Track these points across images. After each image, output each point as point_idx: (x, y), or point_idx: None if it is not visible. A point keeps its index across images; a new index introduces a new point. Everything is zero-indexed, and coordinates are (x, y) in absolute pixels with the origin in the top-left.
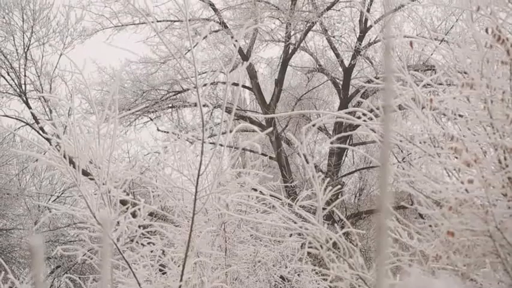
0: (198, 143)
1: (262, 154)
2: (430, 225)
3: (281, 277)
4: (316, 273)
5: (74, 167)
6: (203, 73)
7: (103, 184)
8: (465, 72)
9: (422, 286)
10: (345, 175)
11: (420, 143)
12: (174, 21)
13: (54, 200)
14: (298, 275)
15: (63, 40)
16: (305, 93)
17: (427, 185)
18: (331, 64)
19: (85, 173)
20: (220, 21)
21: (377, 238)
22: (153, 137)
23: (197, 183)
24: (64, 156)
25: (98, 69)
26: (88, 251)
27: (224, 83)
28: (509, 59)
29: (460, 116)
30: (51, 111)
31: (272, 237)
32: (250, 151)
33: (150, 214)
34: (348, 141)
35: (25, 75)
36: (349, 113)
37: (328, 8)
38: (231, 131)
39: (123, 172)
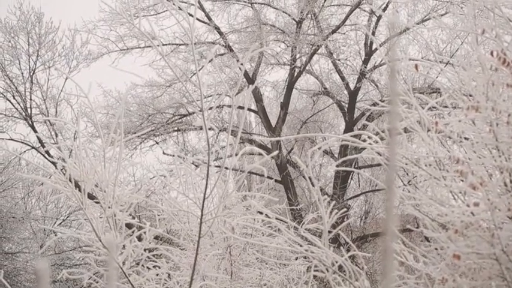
0: (203, 166)
1: (268, 177)
2: (436, 248)
3: None
4: None
5: (80, 190)
6: (209, 96)
7: (109, 207)
8: (470, 95)
9: None
10: (350, 198)
11: (426, 165)
12: (180, 44)
13: (59, 224)
14: None
15: (69, 64)
16: (310, 116)
17: (433, 208)
18: (336, 87)
19: (91, 197)
20: (225, 44)
21: (383, 261)
22: (158, 160)
23: (203, 206)
24: (70, 180)
25: (103, 92)
26: (94, 274)
27: (230, 106)
28: None
29: (465, 138)
30: (56, 135)
31: (278, 260)
32: (256, 174)
33: (156, 237)
34: (353, 164)
35: (31, 99)
36: (355, 136)
37: (334, 31)
38: (236, 154)
39: (128, 195)
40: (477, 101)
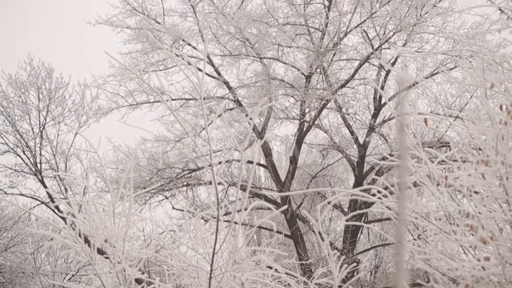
0: (213, 221)
1: (278, 232)
2: None
3: None
4: None
5: (89, 245)
6: (218, 151)
7: (118, 263)
8: (480, 149)
9: None
10: (360, 252)
11: (436, 220)
12: (189, 99)
13: (69, 279)
14: None
15: (79, 119)
16: (320, 171)
17: (443, 262)
18: (345, 141)
19: (100, 252)
20: (235, 99)
21: None
22: (168, 215)
23: (212, 261)
24: (79, 235)
25: (113, 147)
26: None
27: (239, 160)
28: None
29: (475, 192)
30: (66, 190)
31: None
32: (265, 229)
33: None
34: (363, 218)
35: (41, 154)
36: (364, 190)
37: (343, 86)
38: (246, 209)
39: (138, 251)
40: (487, 155)
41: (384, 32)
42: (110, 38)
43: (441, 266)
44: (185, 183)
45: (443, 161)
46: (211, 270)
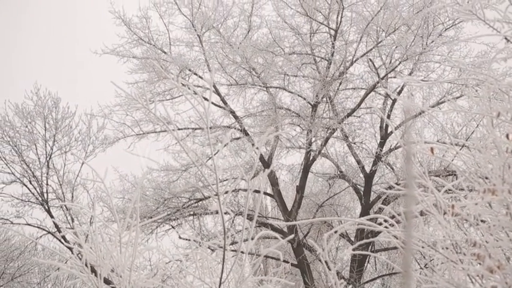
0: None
1: (284, 261)
2: None
3: None
4: None
5: (96, 275)
6: (224, 180)
7: None
8: (486, 178)
9: None
10: (367, 282)
11: (443, 249)
12: (195, 128)
13: None
14: None
15: (85, 148)
16: (326, 200)
17: None
18: (352, 170)
19: (107, 282)
20: (241, 128)
21: None
22: (174, 244)
23: None
24: (86, 265)
25: (119, 177)
26: None
27: (245, 190)
28: None
29: (482, 221)
30: (73, 220)
31: None
32: (272, 258)
33: None
34: (369, 247)
35: (47, 184)
36: (371, 219)
37: (349, 115)
38: (252, 238)
39: (144, 280)
40: (493, 184)
41: (390, 61)
42: (117, 68)
43: None
44: (192, 213)
45: (450, 189)
46: None
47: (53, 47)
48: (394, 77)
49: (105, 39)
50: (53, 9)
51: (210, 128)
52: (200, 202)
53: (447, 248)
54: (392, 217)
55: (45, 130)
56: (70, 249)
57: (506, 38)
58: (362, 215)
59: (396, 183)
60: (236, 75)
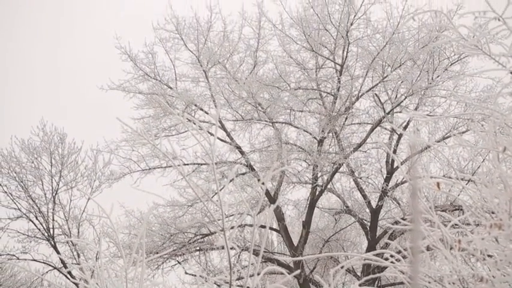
0: (225, 286)
1: None
2: None
3: None
4: None
5: None
6: (230, 216)
7: None
8: (493, 213)
9: None
10: None
11: (449, 284)
12: (201, 164)
13: None
14: None
15: (91, 184)
16: (333, 235)
17: None
18: (358, 205)
19: None
20: (247, 163)
21: None
22: (181, 280)
23: None
24: None
25: (125, 212)
26: None
27: (251, 225)
28: None
29: (489, 256)
30: (79, 255)
31: None
32: None
33: None
34: (376, 283)
35: (53, 219)
36: (377, 254)
37: (355, 150)
38: (258, 274)
39: None
40: (500, 219)
41: (396, 96)
42: (123, 104)
43: None
44: (198, 248)
45: (456, 224)
46: None
47: (59, 83)
48: (400, 112)
49: (111, 75)
50: (59, 45)
51: (216, 163)
52: (206, 237)
53: (454, 283)
54: (399, 252)
55: (51, 166)
56: (76, 285)
57: (511, 73)
58: (368, 250)
59: (402, 218)
60: (242, 111)
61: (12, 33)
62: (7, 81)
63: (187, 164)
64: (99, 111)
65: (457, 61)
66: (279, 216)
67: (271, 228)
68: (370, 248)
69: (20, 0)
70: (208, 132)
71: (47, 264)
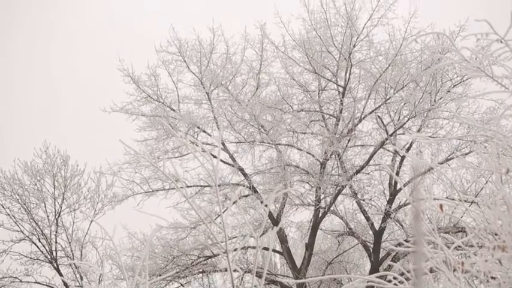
0: None
1: None
2: None
3: None
4: None
5: None
6: (233, 238)
7: None
8: (496, 234)
9: None
10: None
11: None
12: (204, 186)
13: None
14: None
15: (94, 206)
16: (336, 257)
17: None
18: (361, 227)
19: None
20: (250, 185)
21: None
22: None
23: None
24: None
25: (128, 234)
26: None
27: (254, 247)
28: None
29: (492, 278)
30: (81, 278)
31: None
32: None
33: None
34: None
35: (56, 242)
36: (381, 276)
37: (358, 172)
38: None
39: None
40: (503, 240)
41: (399, 118)
42: (125, 126)
43: None
44: (201, 270)
45: (459, 246)
46: None
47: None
48: (403, 134)
49: (114, 97)
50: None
51: (219, 185)
52: (209, 260)
53: None
54: (402, 274)
55: (54, 188)
56: None
57: None
58: (371, 272)
59: (405, 240)
60: (245, 133)
61: (13, 53)
62: (10, 103)
63: (190, 186)
64: (102, 133)
65: (460, 83)
66: (282, 238)
67: (274, 251)
68: (373, 270)
69: (20, 19)
70: (211, 154)
71: (50, 286)
